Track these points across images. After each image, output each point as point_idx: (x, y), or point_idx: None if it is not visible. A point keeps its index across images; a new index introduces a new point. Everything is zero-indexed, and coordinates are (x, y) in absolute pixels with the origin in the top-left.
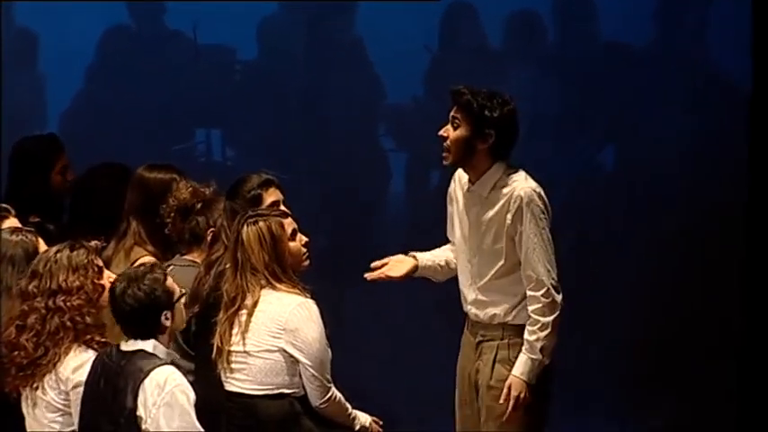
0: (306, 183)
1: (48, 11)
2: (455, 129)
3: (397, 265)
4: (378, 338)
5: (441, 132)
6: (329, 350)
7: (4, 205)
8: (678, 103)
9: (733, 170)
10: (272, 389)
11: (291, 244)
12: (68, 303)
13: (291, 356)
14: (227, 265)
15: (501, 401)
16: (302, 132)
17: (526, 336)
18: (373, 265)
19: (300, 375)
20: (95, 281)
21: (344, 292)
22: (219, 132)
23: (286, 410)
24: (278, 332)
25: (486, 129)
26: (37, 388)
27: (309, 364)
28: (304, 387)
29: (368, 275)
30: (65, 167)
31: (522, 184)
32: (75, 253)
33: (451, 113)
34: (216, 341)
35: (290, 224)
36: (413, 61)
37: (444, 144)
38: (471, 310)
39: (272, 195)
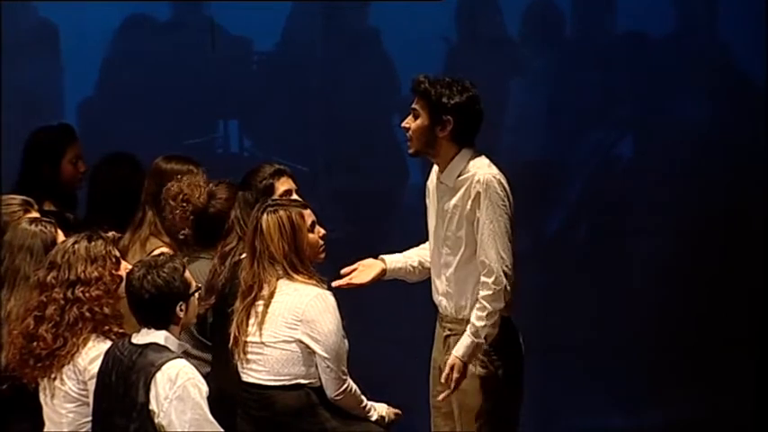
0: (323, 174)
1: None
2: (416, 119)
3: (364, 271)
4: (392, 331)
5: (403, 124)
6: (346, 342)
7: (27, 198)
8: (695, 94)
9: (749, 167)
10: (289, 379)
11: (310, 236)
12: (87, 294)
13: (308, 347)
14: (243, 255)
15: (442, 380)
16: (319, 124)
17: (473, 319)
18: (343, 271)
19: (317, 366)
20: (113, 271)
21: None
22: (237, 123)
23: (302, 401)
24: (295, 323)
25: (443, 115)
26: (55, 378)
27: (326, 355)
28: (320, 377)
29: (334, 283)
30: (77, 157)
31: (484, 170)
32: (93, 244)
33: (412, 104)
34: (233, 330)
35: (309, 216)
36: (431, 52)
37: (407, 135)
38: (442, 302)
39: (284, 184)
